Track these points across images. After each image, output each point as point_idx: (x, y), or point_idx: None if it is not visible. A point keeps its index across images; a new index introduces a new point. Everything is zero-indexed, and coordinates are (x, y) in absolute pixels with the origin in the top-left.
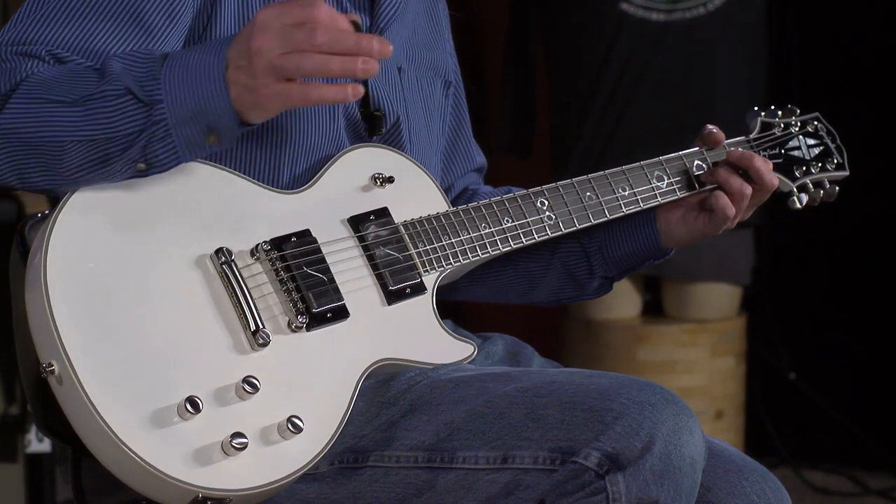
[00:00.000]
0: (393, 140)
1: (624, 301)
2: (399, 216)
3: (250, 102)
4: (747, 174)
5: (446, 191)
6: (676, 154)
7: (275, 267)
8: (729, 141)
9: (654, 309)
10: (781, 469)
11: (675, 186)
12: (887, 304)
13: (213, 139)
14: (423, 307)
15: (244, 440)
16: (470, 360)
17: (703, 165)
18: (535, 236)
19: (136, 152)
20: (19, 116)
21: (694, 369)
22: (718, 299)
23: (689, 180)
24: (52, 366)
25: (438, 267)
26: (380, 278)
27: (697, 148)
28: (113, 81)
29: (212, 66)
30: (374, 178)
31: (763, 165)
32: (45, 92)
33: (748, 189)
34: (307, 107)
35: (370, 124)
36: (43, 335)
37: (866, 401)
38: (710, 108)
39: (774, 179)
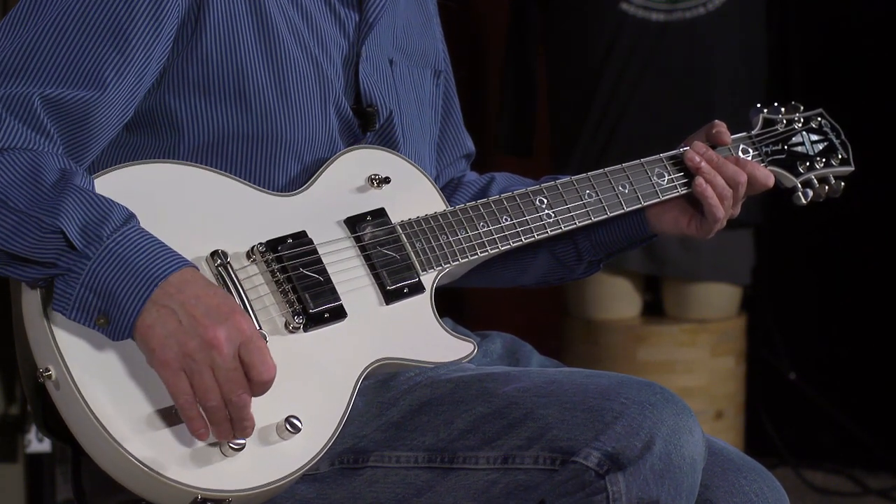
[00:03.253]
0: (386, 134)
1: (624, 301)
2: (396, 216)
3: (158, 346)
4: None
5: (435, 178)
6: (677, 150)
7: (271, 268)
8: (732, 137)
9: (654, 309)
10: (781, 469)
11: (676, 183)
12: (887, 304)
13: (103, 321)
14: (421, 306)
15: (242, 441)
16: (470, 358)
17: None
18: (535, 235)
19: (35, 278)
20: None
21: (694, 369)
22: (718, 299)
23: (690, 175)
24: (48, 371)
25: (437, 266)
26: (377, 278)
27: (700, 144)
28: (54, 215)
29: (144, 281)
30: (371, 180)
31: (733, 171)
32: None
33: (728, 191)
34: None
35: (363, 120)
36: (39, 340)
37: (866, 401)
38: (709, 108)
39: (743, 176)
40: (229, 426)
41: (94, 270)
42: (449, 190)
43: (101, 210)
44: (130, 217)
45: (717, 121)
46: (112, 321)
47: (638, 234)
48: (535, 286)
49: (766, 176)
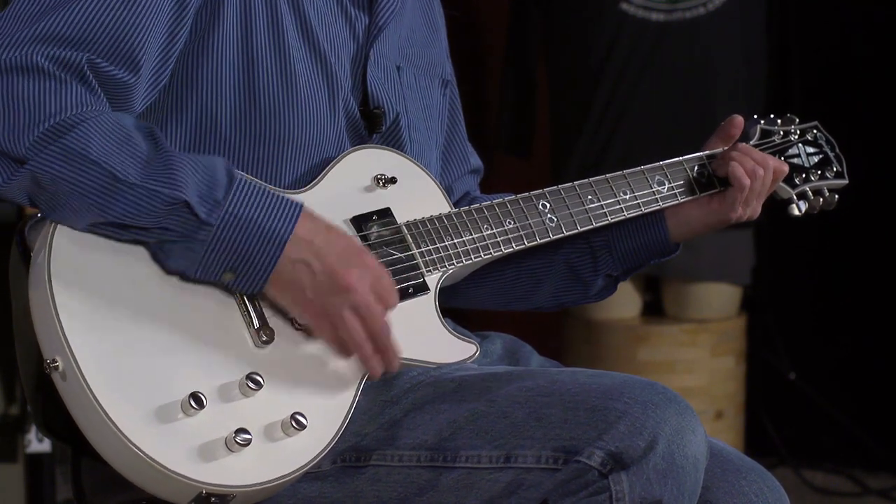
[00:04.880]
0: (393, 137)
1: (624, 301)
2: (402, 217)
3: (298, 299)
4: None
5: (446, 191)
6: (677, 159)
7: None
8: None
9: (654, 309)
10: (781, 469)
11: (675, 191)
12: (887, 304)
13: (229, 276)
14: (425, 307)
15: (248, 436)
16: (473, 359)
17: (704, 171)
18: (537, 238)
19: (151, 241)
20: (57, 168)
21: (694, 369)
22: (718, 299)
23: (690, 185)
24: (55, 362)
25: (441, 267)
26: None
27: (699, 154)
28: (175, 187)
29: (277, 234)
30: (377, 179)
31: (767, 159)
32: (97, 152)
33: (760, 170)
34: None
35: (370, 122)
36: (47, 331)
37: (866, 401)
38: (709, 109)
39: (783, 165)
40: (379, 358)
41: (220, 236)
42: (465, 204)
43: (207, 171)
44: (230, 169)
45: (736, 115)
46: (240, 276)
47: (657, 236)
48: (550, 309)
49: (781, 163)
